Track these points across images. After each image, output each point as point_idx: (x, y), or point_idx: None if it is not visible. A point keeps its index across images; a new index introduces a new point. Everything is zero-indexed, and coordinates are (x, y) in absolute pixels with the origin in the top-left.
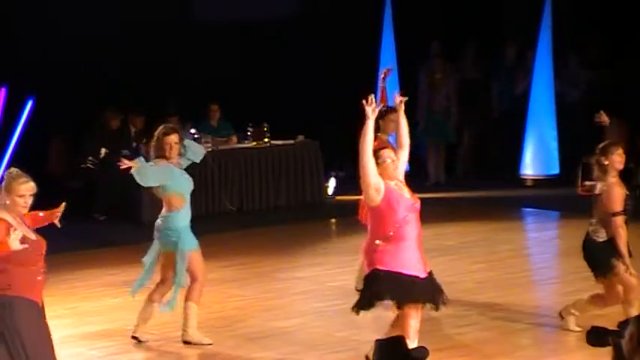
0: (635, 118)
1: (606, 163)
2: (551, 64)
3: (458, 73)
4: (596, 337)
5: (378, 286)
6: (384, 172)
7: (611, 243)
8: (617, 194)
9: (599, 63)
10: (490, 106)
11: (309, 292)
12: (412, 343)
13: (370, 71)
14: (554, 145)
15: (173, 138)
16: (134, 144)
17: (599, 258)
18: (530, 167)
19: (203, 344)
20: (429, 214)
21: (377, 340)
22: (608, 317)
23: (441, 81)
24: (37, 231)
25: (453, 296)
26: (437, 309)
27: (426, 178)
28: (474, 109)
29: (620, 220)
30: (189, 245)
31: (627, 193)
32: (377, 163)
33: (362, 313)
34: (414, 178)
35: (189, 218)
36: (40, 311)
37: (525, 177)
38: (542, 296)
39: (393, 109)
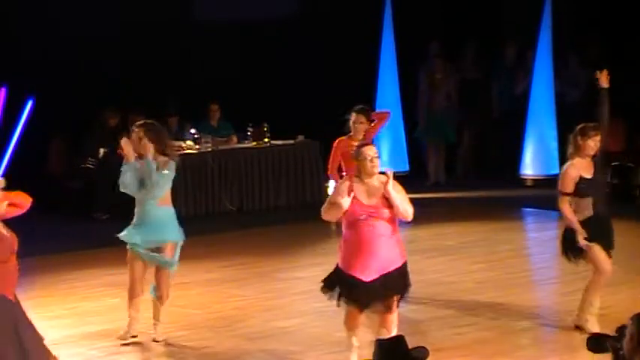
0: (635, 118)
1: (580, 143)
2: (551, 64)
3: (458, 73)
4: (595, 343)
5: (330, 278)
6: (363, 169)
7: (584, 224)
8: (568, 176)
9: (599, 63)
10: (490, 106)
11: (309, 292)
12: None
13: (370, 71)
14: (554, 145)
15: (134, 134)
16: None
17: (572, 239)
18: (530, 167)
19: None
20: (429, 214)
21: (377, 340)
22: (608, 317)
23: (441, 81)
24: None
25: (453, 296)
26: (388, 310)
27: (426, 178)
28: (474, 109)
29: (563, 201)
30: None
31: (588, 177)
32: (357, 160)
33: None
34: (414, 178)
35: (138, 217)
36: (13, 306)
37: (525, 177)
38: (542, 296)
39: (363, 111)
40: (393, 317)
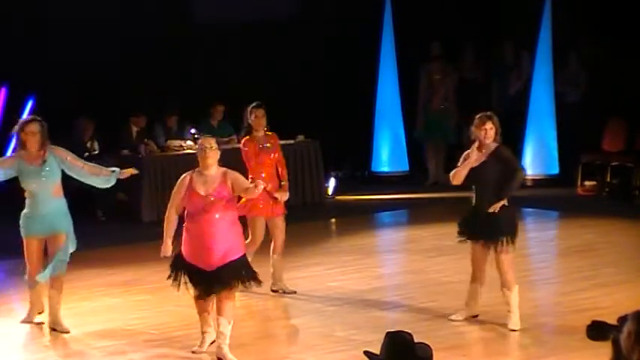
0: (635, 118)
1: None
2: (551, 64)
3: (457, 73)
4: (596, 331)
5: (176, 267)
6: (201, 160)
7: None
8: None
9: (599, 63)
10: (490, 106)
11: (309, 292)
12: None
13: (370, 71)
14: (553, 145)
15: (31, 128)
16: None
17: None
18: (530, 167)
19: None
20: (429, 214)
21: (388, 333)
22: (607, 317)
23: (440, 81)
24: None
25: (453, 296)
26: (225, 298)
27: (426, 178)
28: (473, 109)
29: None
30: (22, 233)
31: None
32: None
33: (361, 313)
34: (414, 178)
35: (34, 209)
36: None
37: (525, 177)
38: (542, 296)
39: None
40: (230, 306)
